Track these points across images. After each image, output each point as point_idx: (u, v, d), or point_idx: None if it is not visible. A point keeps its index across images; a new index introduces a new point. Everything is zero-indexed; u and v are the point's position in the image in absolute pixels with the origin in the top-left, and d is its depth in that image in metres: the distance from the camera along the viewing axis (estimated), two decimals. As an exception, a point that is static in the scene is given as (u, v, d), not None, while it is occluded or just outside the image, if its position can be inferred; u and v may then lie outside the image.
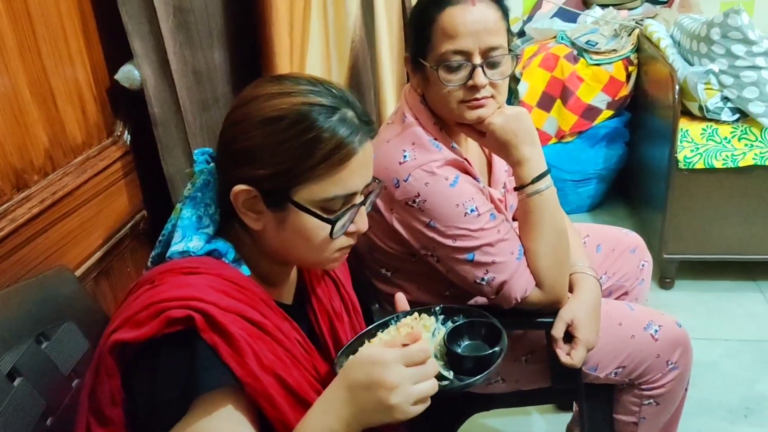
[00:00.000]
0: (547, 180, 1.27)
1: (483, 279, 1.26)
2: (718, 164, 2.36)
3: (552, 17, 3.35)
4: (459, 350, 0.99)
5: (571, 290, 1.33)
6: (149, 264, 0.98)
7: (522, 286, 1.26)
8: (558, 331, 1.27)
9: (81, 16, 1.36)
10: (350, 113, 0.92)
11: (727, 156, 2.35)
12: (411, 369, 0.81)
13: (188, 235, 0.93)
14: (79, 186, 1.30)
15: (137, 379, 0.83)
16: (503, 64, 1.24)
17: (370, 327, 1.03)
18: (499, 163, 1.46)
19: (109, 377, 0.83)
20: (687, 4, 3.24)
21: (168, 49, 1.44)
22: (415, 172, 1.23)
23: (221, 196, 0.96)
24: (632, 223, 3.02)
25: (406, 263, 1.35)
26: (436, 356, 0.96)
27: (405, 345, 0.84)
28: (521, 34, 3.51)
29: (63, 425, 0.94)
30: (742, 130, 2.36)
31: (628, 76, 3.02)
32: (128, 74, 1.45)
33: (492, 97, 1.24)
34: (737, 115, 2.38)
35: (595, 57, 3.01)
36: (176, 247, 0.92)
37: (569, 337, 1.28)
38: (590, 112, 3.02)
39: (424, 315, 1.05)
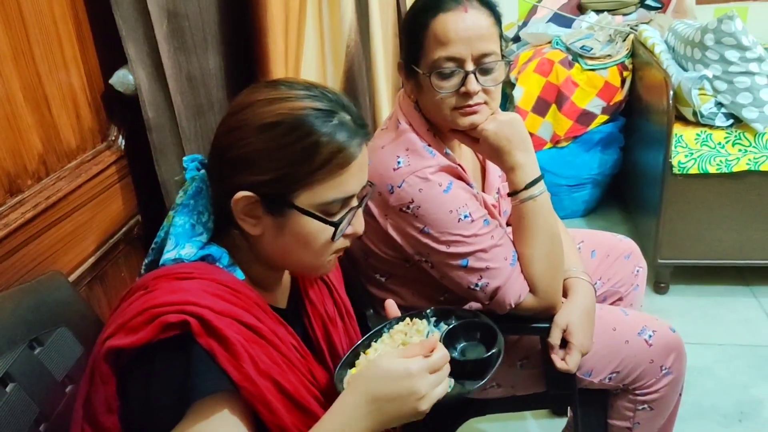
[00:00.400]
0: (541, 185, 1.27)
1: (477, 285, 1.26)
2: (712, 169, 2.37)
3: (547, 22, 3.36)
4: (456, 353, 1.00)
5: (565, 295, 1.33)
6: (142, 271, 0.98)
7: (516, 292, 1.26)
8: (554, 338, 1.28)
9: (75, 20, 1.36)
10: (347, 117, 0.92)
11: (721, 161, 2.36)
12: (433, 375, 0.86)
13: (181, 243, 0.92)
14: (73, 191, 1.30)
15: (132, 385, 0.83)
16: (496, 71, 1.24)
17: (364, 338, 1.03)
18: (493, 169, 1.46)
19: (104, 384, 0.83)
20: (681, 10, 3.26)
21: (162, 54, 1.43)
22: (409, 178, 1.23)
23: (216, 203, 0.96)
24: (627, 228, 3.03)
25: (401, 269, 1.35)
26: None
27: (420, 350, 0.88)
28: (516, 39, 3.52)
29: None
30: (735, 136, 2.37)
31: (623, 82, 3.03)
32: (123, 79, 1.44)
33: (485, 103, 1.24)
34: (731, 121, 2.39)
35: (590, 62, 3.02)
36: (169, 254, 0.92)
37: (563, 343, 1.28)
38: (585, 117, 3.03)
39: (416, 319, 1.05)
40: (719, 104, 2.38)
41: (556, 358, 1.27)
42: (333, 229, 0.92)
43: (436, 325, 1.06)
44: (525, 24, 3.52)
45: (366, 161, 0.96)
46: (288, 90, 0.92)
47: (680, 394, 1.46)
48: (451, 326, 1.03)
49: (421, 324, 1.04)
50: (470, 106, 1.23)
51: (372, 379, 0.85)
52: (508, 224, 1.43)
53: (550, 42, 3.22)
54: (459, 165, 1.30)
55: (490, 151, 1.27)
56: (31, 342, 0.95)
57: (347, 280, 1.22)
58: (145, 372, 0.81)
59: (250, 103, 0.91)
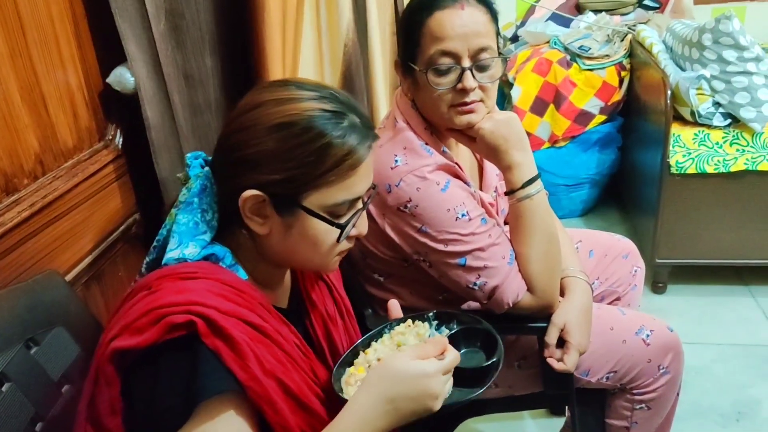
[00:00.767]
0: (538, 184, 1.27)
1: (475, 284, 1.26)
2: (709, 169, 2.37)
3: (545, 22, 3.36)
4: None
5: (562, 294, 1.33)
6: (143, 270, 0.97)
7: (514, 291, 1.26)
8: (552, 337, 1.27)
9: (73, 19, 1.36)
10: (357, 119, 0.92)
11: (718, 161, 2.36)
12: (445, 376, 0.89)
13: (184, 242, 0.92)
14: (69, 189, 1.30)
15: (137, 387, 0.82)
16: (492, 67, 1.24)
17: (364, 337, 1.03)
18: (491, 167, 1.46)
19: (109, 386, 0.82)
20: (679, 10, 3.26)
21: (160, 52, 1.44)
22: (406, 177, 1.23)
23: (221, 201, 0.96)
24: (625, 228, 3.03)
25: (399, 268, 1.35)
26: None
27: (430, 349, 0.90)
28: (514, 38, 3.52)
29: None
30: (733, 135, 2.37)
31: (621, 81, 3.03)
32: (120, 77, 1.44)
33: (481, 101, 1.24)
34: (729, 120, 2.39)
35: (588, 62, 3.02)
36: (172, 253, 0.91)
37: (561, 342, 1.28)
38: (583, 116, 3.03)
39: (417, 322, 1.05)
40: (717, 104, 2.38)
41: (553, 360, 1.27)
42: (339, 231, 0.93)
43: (437, 328, 1.05)
44: (523, 23, 3.52)
45: (372, 163, 0.96)
46: (298, 90, 0.92)
47: (678, 394, 1.46)
48: (452, 331, 1.03)
49: (422, 327, 1.04)
50: (467, 103, 1.23)
51: (387, 379, 0.86)
52: (505, 223, 1.43)
53: (548, 42, 3.22)
54: (456, 163, 1.30)
55: (487, 149, 1.27)
56: (27, 342, 0.94)
57: (346, 280, 1.22)
58: (150, 373, 0.81)
59: (261, 103, 0.91)
